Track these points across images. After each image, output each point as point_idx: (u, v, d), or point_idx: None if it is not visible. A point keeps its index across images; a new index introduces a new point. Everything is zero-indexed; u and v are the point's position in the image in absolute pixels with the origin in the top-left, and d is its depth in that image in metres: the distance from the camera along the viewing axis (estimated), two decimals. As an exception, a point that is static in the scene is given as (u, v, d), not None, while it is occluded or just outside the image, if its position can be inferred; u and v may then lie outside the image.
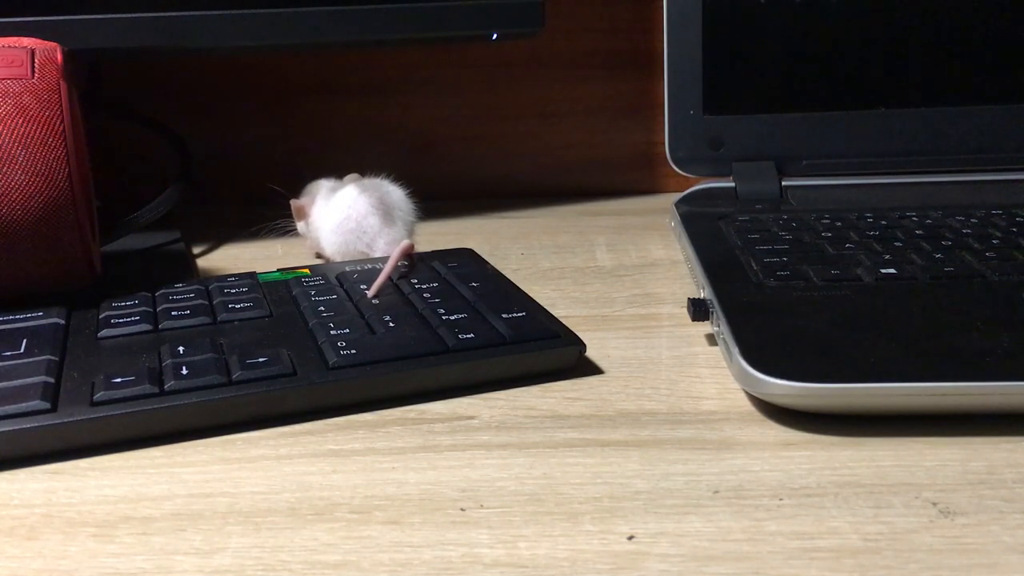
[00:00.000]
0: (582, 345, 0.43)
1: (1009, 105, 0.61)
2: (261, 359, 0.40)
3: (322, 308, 0.45)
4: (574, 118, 0.77)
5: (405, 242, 0.51)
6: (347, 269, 0.51)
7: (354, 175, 0.58)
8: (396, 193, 0.56)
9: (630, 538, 0.31)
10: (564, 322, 0.45)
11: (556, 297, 0.53)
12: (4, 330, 0.43)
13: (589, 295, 0.53)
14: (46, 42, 0.47)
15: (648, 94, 0.76)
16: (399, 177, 0.58)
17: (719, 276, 0.47)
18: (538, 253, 0.62)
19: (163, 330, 0.44)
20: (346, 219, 0.55)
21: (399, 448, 0.37)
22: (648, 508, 0.32)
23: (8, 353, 0.40)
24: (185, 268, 0.58)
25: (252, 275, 0.50)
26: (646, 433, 0.38)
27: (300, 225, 0.59)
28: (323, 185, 0.58)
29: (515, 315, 0.44)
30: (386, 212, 0.55)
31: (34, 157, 0.44)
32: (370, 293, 0.47)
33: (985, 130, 0.62)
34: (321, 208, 0.57)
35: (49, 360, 0.40)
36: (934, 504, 0.32)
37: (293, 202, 0.59)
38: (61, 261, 0.46)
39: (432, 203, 0.74)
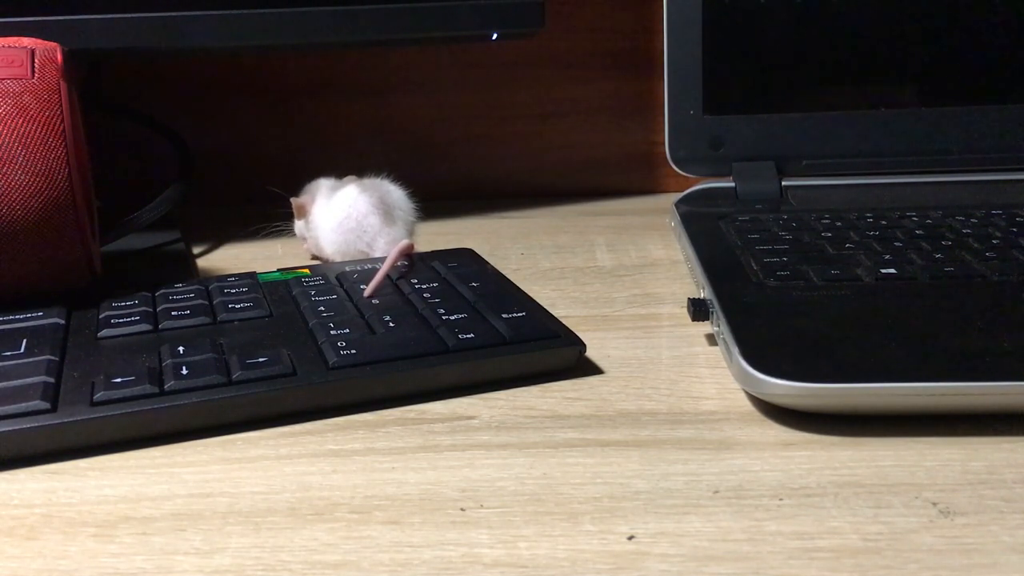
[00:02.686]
0: (582, 345, 0.43)
1: (1009, 105, 0.61)
2: (261, 359, 0.40)
3: (322, 308, 0.45)
4: (574, 118, 0.77)
5: (404, 242, 0.52)
6: (347, 269, 0.51)
7: (351, 176, 0.58)
8: (396, 193, 0.56)
9: (630, 538, 0.31)
10: (564, 322, 0.45)
11: (556, 297, 0.53)
12: (4, 330, 0.43)
13: (589, 295, 0.53)
14: (46, 42, 0.47)
15: (648, 94, 0.76)
16: (399, 177, 0.58)
17: (719, 276, 0.47)
18: (538, 253, 0.62)
19: (163, 330, 0.44)
20: (347, 218, 0.55)
21: (399, 448, 0.37)
22: (648, 508, 0.32)
23: (8, 353, 0.40)
24: (185, 268, 0.58)
25: (252, 275, 0.50)
26: (646, 433, 0.38)
27: (299, 224, 0.59)
28: (323, 184, 0.58)
29: (515, 315, 0.44)
30: (386, 211, 0.55)
31: (34, 157, 0.44)
32: (367, 292, 0.47)
33: (985, 130, 0.62)
34: (322, 207, 0.57)
35: (49, 360, 0.40)
36: (934, 504, 0.32)
37: (294, 200, 0.59)
38: (61, 261, 0.46)
39: (432, 203, 0.74)
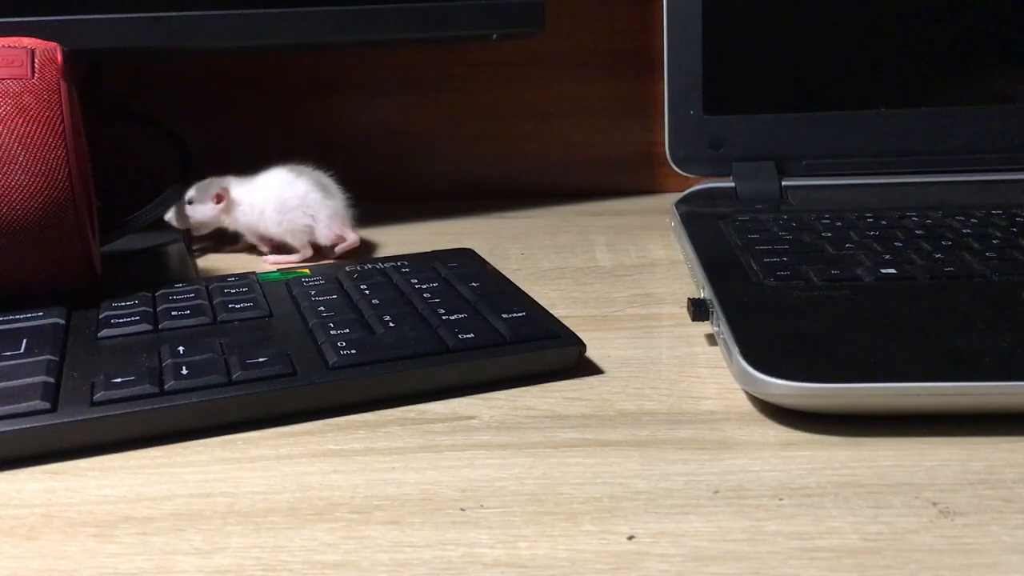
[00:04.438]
0: (582, 345, 0.43)
1: (1009, 105, 0.61)
2: (261, 359, 0.40)
3: (322, 308, 0.45)
4: (574, 118, 0.77)
5: (353, 238, 0.59)
6: (347, 269, 0.51)
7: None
8: (325, 177, 0.61)
9: (630, 538, 0.31)
10: (564, 322, 0.45)
11: (556, 297, 0.53)
12: (4, 330, 0.43)
13: (589, 295, 0.53)
14: (46, 42, 0.47)
15: (648, 94, 0.76)
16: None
17: (719, 276, 0.47)
18: (538, 253, 0.62)
19: (163, 330, 0.44)
20: (290, 197, 0.59)
21: (399, 448, 0.37)
22: (648, 508, 0.32)
23: (8, 353, 0.40)
24: (185, 268, 0.58)
25: (252, 275, 0.50)
26: (646, 433, 0.38)
27: (206, 208, 0.61)
28: (228, 178, 0.62)
29: (515, 315, 0.44)
30: (324, 187, 0.60)
31: (34, 157, 0.44)
32: (269, 260, 0.56)
33: (985, 130, 0.62)
34: (248, 192, 0.60)
35: (49, 360, 0.40)
36: (934, 504, 0.32)
37: (217, 190, 0.61)
38: (61, 261, 0.46)
39: (432, 203, 0.74)
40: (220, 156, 0.75)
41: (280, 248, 0.61)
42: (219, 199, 0.61)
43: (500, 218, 0.71)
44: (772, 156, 0.62)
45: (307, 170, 0.61)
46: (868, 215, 0.56)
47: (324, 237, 0.59)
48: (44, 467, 0.36)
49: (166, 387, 0.38)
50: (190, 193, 0.61)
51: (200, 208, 0.61)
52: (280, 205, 0.59)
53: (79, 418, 0.36)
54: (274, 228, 0.59)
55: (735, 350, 0.39)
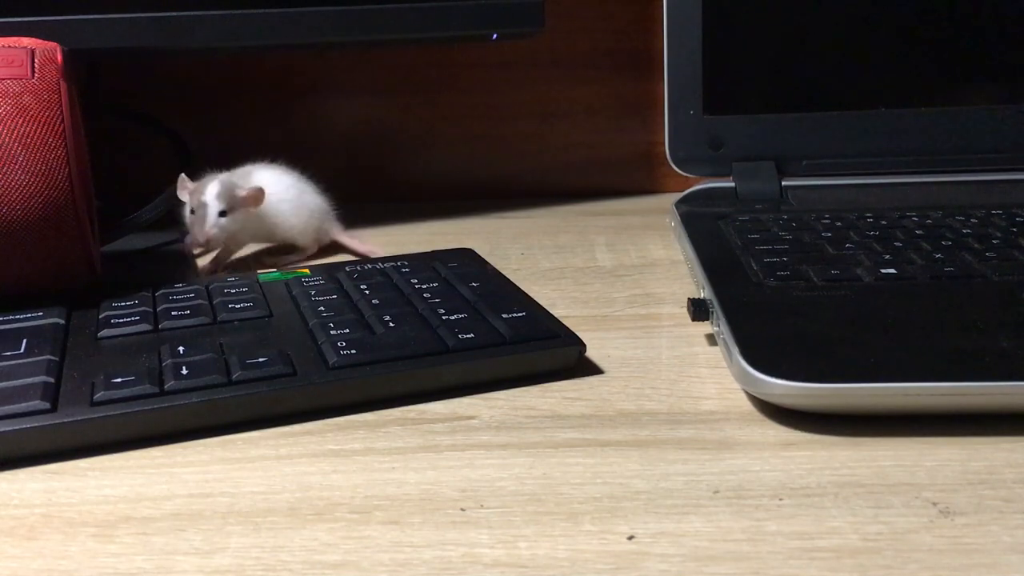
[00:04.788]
0: (582, 345, 0.43)
1: (1009, 105, 0.61)
2: (261, 359, 0.40)
3: (322, 308, 0.45)
4: (574, 118, 0.77)
5: (369, 247, 0.60)
6: (347, 269, 0.51)
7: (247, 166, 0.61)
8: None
9: (630, 538, 0.31)
10: (564, 322, 0.45)
11: (556, 297, 0.53)
12: (4, 330, 0.43)
13: (589, 295, 0.53)
14: (46, 42, 0.47)
15: (648, 94, 0.76)
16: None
17: (719, 276, 0.47)
18: (538, 253, 0.62)
19: (163, 330, 0.44)
20: (316, 206, 0.60)
21: (399, 448, 0.37)
22: (648, 508, 0.32)
23: (8, 353, 0.40)
24: (185, 268, 0.58)
25: (252, 275, 0.50)
26: (646, 433, 0.38)
27: (239, 216, 0.56)
28: (221, 175, 0.57)
29: (515, 315, 0.44)
30: (320, 194, 0.61)
31: (34, 157, 0.44)
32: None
33: (985, 130, 0.62)
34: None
35: (49, 360, 0.40)
36: (934, 504, 0.32)
37: (252, 188, 0.56)
38: (61, 261, 0.46)
39: (432, 203, 0.74)
40: (220, 156, 0.75)
41: (281, 248, 0.61)
42: (250, 201, 0.56)
43: (500, 218, 0.71)
44: (772, 156, 0.62)
45: (287, 171, 0.60)
46: (868, 215, 0.56)
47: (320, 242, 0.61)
48: (44, 467, 0.36)
49: (166, 387, 0.38)
50: (219, 205, 0.54)
51: (235, 218, 0.55)
52: (309, 210, 0.59)
53: (79, 418, 0.36)
54: (286, 229, 0.59)
55: (735, 350, 0.39)
